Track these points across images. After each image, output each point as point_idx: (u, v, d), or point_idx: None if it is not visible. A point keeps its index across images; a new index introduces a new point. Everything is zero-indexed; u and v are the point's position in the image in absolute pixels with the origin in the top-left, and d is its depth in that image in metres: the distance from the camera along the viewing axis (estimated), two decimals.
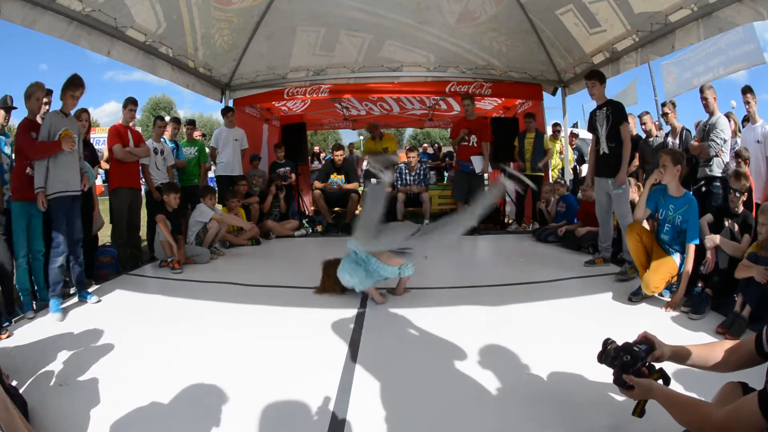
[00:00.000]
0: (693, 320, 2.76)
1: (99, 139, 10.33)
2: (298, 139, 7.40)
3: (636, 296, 3.12)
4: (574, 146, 8.07)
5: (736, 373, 1.42)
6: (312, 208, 7.67)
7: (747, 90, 4.35)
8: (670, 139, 5.01)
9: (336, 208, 6.72)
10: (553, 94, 7.20)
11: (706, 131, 4.37)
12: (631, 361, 1.40)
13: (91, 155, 4.30)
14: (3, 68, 39.00)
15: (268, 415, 1.84)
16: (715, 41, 7.20)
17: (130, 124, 4.76)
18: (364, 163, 8.87)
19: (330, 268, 3.30)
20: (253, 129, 7.34)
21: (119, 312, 3.16)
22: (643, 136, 5.44)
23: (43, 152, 3.17)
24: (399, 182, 6.41)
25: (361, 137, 9.82)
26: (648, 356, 1.43)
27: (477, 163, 5.92)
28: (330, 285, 3.28)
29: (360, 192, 6.58)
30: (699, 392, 1.45)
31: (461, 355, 2.35)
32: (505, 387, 2.03)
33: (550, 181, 6.47)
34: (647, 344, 1.46)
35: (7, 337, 2.66)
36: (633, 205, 3.81)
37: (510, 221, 7.03)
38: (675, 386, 1.46)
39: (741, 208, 3.23)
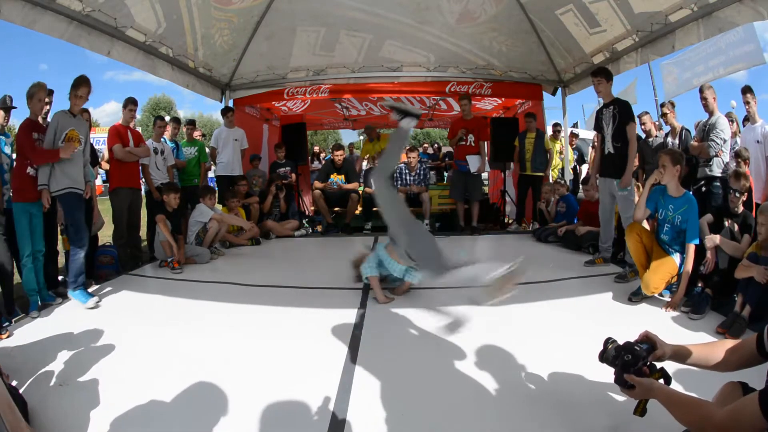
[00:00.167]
0: (693, 320, 2.76)
1: (99, 139, 10.35)
2: (298, 139, 7.40)
3: (636, 296, 3.12)
4: (574, 146, 8.07)
5: (736, 373, 1.42)
6: (312, 208, 7.68)
7: (747, 90, 4.36)
8: (669, 139, 5.02)
9: (336, 208, 6.72)
10: (553, 94, 7.20)
11: (706, 131, 4.37)
12: (632, 361, 1.40)
13: (91, 155, 4.30)
14: (3, 68, 39.10)
15: (268, 415, 1.84)
16: (715, 41, 7.22)
17: (131, 124, 4.76)
18: (364, 163, 8.87)
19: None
20: (253, 129, 7.34)
21: (119, 312, 3.16)
22: (643, 136, 5.44)
23: (42, 159, 3.21)
24: (399, 182, 6.42)
25: (361, 137, 9.80)
26: (649, 356, 1.43)
27: (473, 162, 5.92)
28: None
29: (360, 192, 6.59)
30: (699, 392, 1.45)
31: (461, 355, 2.35)
32: (505, 387, 2.04)
33: (550, 181, 6.47)
34: (648, 344, 1.46)
35: (7, 337, 2.66)
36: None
37: (510, 221, 7.04)
38: (675, 386, 1.46)
39: (741, 208, 3.23)
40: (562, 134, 7.31)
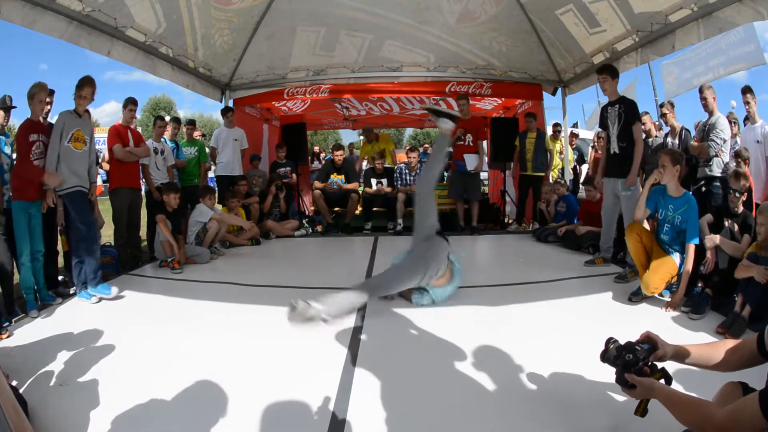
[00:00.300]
0: (693, 320, 2.76)
1: (99, 139, 10.31)
2: (298, 139, 7.39)
3: (636, 296, 3.12)
4: (574, 146, 8.08)
5: (736, 373, 1.42)
6: (312, 208, 7.67)
7: (747, 90, 4.36)
8: (669, 140, 5.02)
9: (336, 208, 6.72)
10: (553, 94, 7.20)
11: (706, 131, 4.38)
12: (633, 361, 1.40)
13: None
14: (3, 68, 39.04)
15: (268, 415, 1.84)
16: (715, 41, 7.22)
17: (131, 125, 4.76)
18: (364, 163, 8.87)
19: None
20: (253, 129, 7.34)
21: (119, 312, 3.17)
22: (643, 136, 5.44)
23: (28, 172, 3.22)
24: (399, 182, 6.42)
25: (361, 137, 9.82)
26: (650, 355, 1.44)
27: (471, 161, 5.93)
28: None
29: (360, 192, 6.59)
30: (699, 392, 1.45)
31: (461, 355, 2.35)
32: (505, 387, 2.04)
33: (550, 181, 6.47)
34: (650, 344, 1.47)
35: (8, 337, 2.66)
36: None
37: (510, 221, 7.03)
38: (676, 386, 1.46)
39: (741, 208, 3.23)
40: (562, 134, 7.31)
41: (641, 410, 1.45)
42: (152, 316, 3.06)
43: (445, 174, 9.07)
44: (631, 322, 2.75)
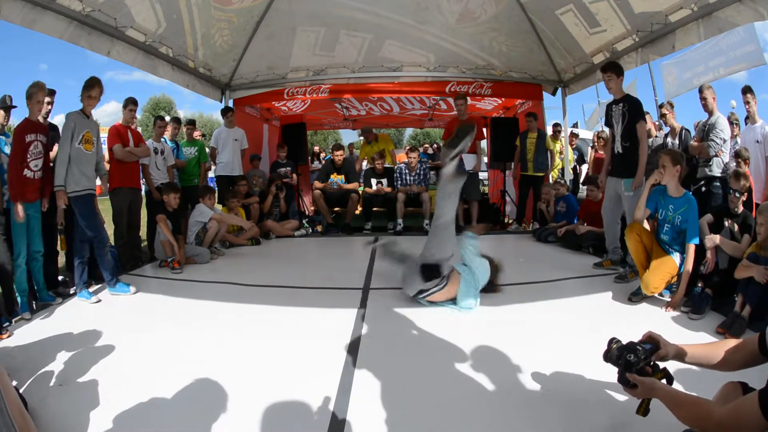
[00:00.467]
0: (693, 320, 2.76)
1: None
2: (298, 139, 7.40)
3: (636, 296, 3.12)
4: (574, 146, 8.08)
5: (736, 373, 1.43)
6: (312, 208, 7.68)
7: (747, 90, 4.36)
8: (669, 140, 5.02)
9: (336, 208, 6.72)
10: (553, 94, 7.20)
11: (706, 131, 4.38)
12: (635, 360, 1.42)
13: None
14: (3, 68, 39.03)
15: (268, 415, 1.84)
16: (715, 42, 7.22)
17: (131, 125, 4.76)
18: (364, 164, 8.87)
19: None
20: (253, 129, 7.34)
21: (119, 312, 3.16)
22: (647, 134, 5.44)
23: (12, 175, 3.18)
24: (399, 182, 6.42)
25: (361, 138, 9.83)
26: (652, 355, 1.45)
27: (469, 161, 5.94)
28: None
29: (360, 192, 6.59)
30: (700, 392, 1.45)
31: (461, 354, 2.35)
32: (505, 387, 2.04)
33: (550, 181, 6.47)
34: (652, 343, 1.48)
35: (8, 336, 2.66)
36: None
37: (510, 221, 7.04)
38: (677, 386, 1.47)
39: (741, 208, 3.23)
40: (562, 134, 7.31)
41: (643, 410, 1.46)
42: (152, 316, 3.06)
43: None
44: (631, 322, 2.75)
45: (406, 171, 6.46)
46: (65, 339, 2.62)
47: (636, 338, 1.53)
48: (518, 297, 3.27)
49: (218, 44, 5.98)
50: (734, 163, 4.26)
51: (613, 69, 3.83)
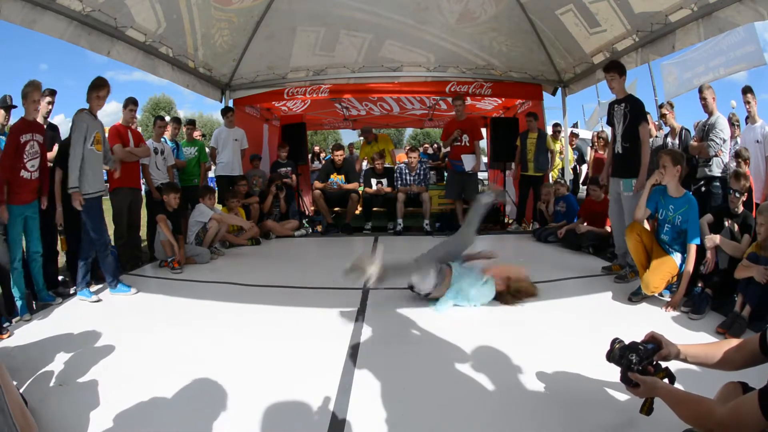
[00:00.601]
0: (693, 320, 2.76)
1: None
2: (298, 139, 7.40)
3: (636, 296, 3.12)
4: (574, 146, 8.08)
5: (737, 373, 1.43)
6: (312, 208, 7.68)
7: (747, 90, 4.36)
8: (669, 140, 5.02)
9: (336, 208, 6.72)
10: (553, 94, 7.20)
11: (706, 131, 4.37)
12: (637, 360, 1.44)
13: None
14: (3, 68, 39.03)
15: (268, 415, 1.84)
16: (716, 42, 7.22)
17: (131, 125, 4.76)
18: (364, 164, 8.88)
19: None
20: (253, 129, 7.34)
21: (119, 312, 3.16)
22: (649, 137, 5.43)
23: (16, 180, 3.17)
24: (399, 182, 6.43)
25: (361, 138, 9.83)
26: (654, 355, 1.47)
27: (468, 161, 5.96)
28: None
29: (360, 192, 6.59)
30: (700, 392, 1.45)
31: (461, 354, 2.35)
32: (505, 387, 2.04)
33: (550, 181, 6.47)
34: (654, 343, 1.50)
35: (8, 336, 2.66)
36: None
37: (510, 221, 7.04)
38: (677, 385, 1.48)
39: (741, 208, 3.23)
40: (562, 134, 7.31)
41: (646, 409, 1.48)
42: (152, 316, 3.06)
43: (446, 174, 9.10)
44: (631, 322, 2.75)
45: (406, 171, 6.47)
46: (65, 339, 2.62)
47: (636, 338, 1.54)
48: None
49: (218, 44, 5.97)
50: (734, 163, 4.26)
51: (615, 69, 3.79)
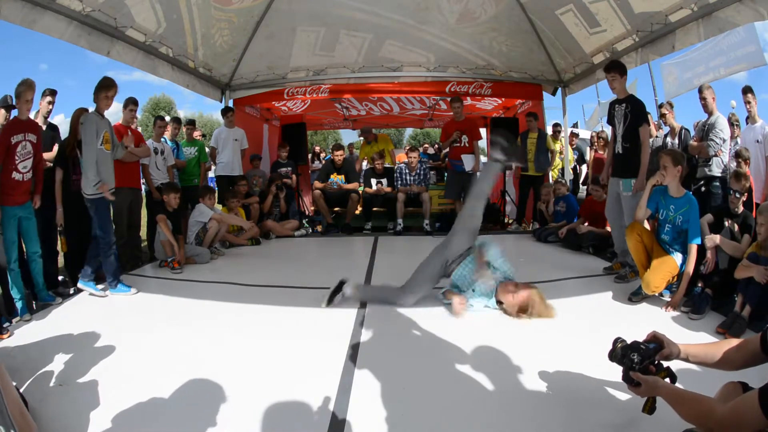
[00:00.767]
0: (693, 320, 2.76)
1: None
2: (298, 139, 7.40)
3: (636, 296, 3.12)
4: (574, 146, 8.08)
5: (736, 373, 1.44)
6: (312, 208, 7.68)
7: (747, 90, 4.36)
8: (669, 140, 5.02)
9: (336, 208, 6.72)
10: (553, 94, 7.20)
11: (705, 131, 4.38)
12: (639, 359, 1.46)
13: None
14: (3, 68, 38.99)
15: (268, 415, 1.84)
16: (716, 42, 7.22)
17: (131, 124, 4.76)
18: (364, 164, 8.88)
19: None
20: (253, 129, 7.34)
21: (119, 312, 3.16)
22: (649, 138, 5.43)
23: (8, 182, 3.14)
24: (399, 182, 6.43)
25: (361, 138, 9.83)
26: (656, 354, 1.48)
27: (468, 162, 5.96)
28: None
29: (360, 192, 6.60)
30: (700, 392, 1.46)
31: (462, 354, 2.35)
32: (505, 386, 2.04)
33: (550, 181, 6.47)
34: (656, 343, 1.51)
35: (8, 336, 2.66)
36: None
37: (510, 221, 7.03)
38: (678, 385, 1.48)
39: (741, 209, 3.23)
40: (562, 134, 7.31)
41: (648, 408, 1.49)
42: (152, 316, 3.06)
43: (446, 174, 9.12)
44: (631, 322, 2.75)
45: (407, 171, 6.47)
46: (65, 339, 2.62)
47: (636, 338, 1.55)
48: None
49: (218, 44, 5.97)
50: (734, 163, 4.26)
51: (616, 69, 3.78)
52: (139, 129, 5.78)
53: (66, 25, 3.86)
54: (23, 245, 3.34)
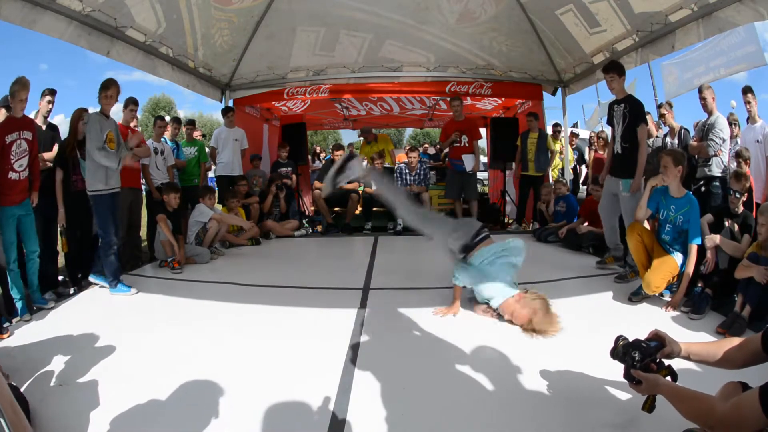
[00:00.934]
0: (693, 320, 2.76)
1: None
2: (298, 139, 7.40)
3: (636, 296, 3.12)
4: (574, 146, 8.08)
5: (737, 373, 1.44)
6: (312, 208, 7.68)
7: (747, 90, 4.36)
8: (668, 140, 5.02)
9: (336, 208, 6.72)
10: (553, 94, 7.20)
11: (705, 131, 4.38)
12: (640, 357, 1.46)
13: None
14: (3, 68, 39.00)
15: (268, 415, 1.84)
16: (716, 42, 7.22)
17: (131, 125, 4.76)
18: (364, 163, 8.86)
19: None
20: (253, 129, 7.34)
21: (119, 312, 3.16)
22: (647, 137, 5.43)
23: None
24: (399, 182, 6.43)
25: (361, 138, 9.83)
26: (657, 353, 1.49)
27: (468, 162, 5.97)
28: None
29: (360, 192, 6.59)
30: (701, 391, 1.46)
31: (462, 354, 2.35)
32: (505, 386, 2.04)
33: (550, 181, 6.47)
34: (657, 341, 1.52)
35: (8, 336, 2.66)
36: None
37: (510, 221, 7.03)
38: (679, 384, 1.48)
39: (741, 209, 3.23)
40: (562, 134, 7.31)
41: (648, 406, 1.49)
42: (152, 316, 3.05)
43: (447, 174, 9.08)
44: (631, 322, 2.75)
45: (407, 171, 6.47)
46: (65, 339, 2.62)
47: (642, 337, 1.55)
48: None
49: (218, 44, 5.97)
50: (735, 163, 4.26)
51: (615, 69, 3.80)
52: (139, 129, 5.78)
53: (66, 25, 3.86)
54: (23, 246, 3.33)
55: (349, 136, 26.12)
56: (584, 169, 7.97)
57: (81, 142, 3.73)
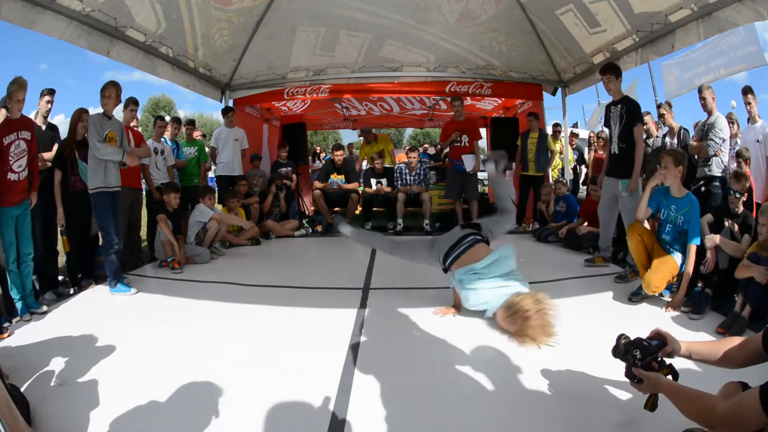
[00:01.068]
0: (693, 320, 2.76)
1: None
2: (298, 139, 7.40)
3: (636, 296, 3.12)
4: (574, 146, 8.08)
5: (737, 373, 1.44)
6: (312, 208, 7.68)
7: (747, 90, 4.36)
8: (668, 140, 5.02)
9: (336, 208, 6.72)
10: (553, 94, 7.20)
11: (705, 131, 4.38)
12: (641, 356, 1.47)
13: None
14: (3, 68, 39.01)
15: (268, 415, 1.84)
16: (716, 42, 7.23)
17: (132, 125, 4.75)
18: (363, 163, 8.88)
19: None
20: (253, 129, 7.34)
21: (119, 312, 3.16)
22: (644, 137, 5.44)
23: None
24: (399, 182, 6.43)
25: (361, 138, 9.83)
26: (658, 351, 1.49)
27: (468, 161, 5.97)
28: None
29: (360, 192, 6.59)
30: (701, 390, 1.46)
31: (461, 354, 2.35)
32: (506, 386, 2.04)
33: (551, 181, 6.47)
34: (659, 340, 1.52)
35: (8, 336, 2.66)
36: None
37: None
38: (680, 383, 1.48)
39: (741, 209, 3.23)
40: (562, 134, 7.31)
41: (650, 405, 1.50)
42: (152, 316, 3.06)
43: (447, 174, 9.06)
44: (631, 322, 2.74)
45: (407, 171, 6.47)
46: (65, 339, 2.61)
47: (644, 336, 1.55)
48: None
49: (218, 44, 5.97)
50: (735, 163, 4.26)
51: (611, 71, 3.85)
52: (139, 129, 5.78)
53: (66, 25, 3.85)
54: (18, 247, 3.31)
55: (349, 136, 26.15)
56: (584, 169, 7.97)
57: (80, 143, 3.73)
